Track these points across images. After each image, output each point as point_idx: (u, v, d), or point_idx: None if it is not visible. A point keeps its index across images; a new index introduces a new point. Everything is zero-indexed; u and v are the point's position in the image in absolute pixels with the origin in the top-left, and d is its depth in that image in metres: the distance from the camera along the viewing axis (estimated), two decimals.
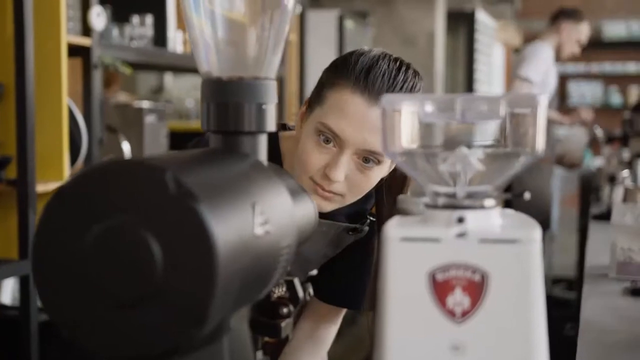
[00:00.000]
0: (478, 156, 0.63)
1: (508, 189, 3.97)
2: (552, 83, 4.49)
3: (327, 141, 1.18)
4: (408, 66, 1.21)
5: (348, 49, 3.01)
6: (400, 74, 1.18)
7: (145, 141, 3.03)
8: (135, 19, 3.06)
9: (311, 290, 1.50)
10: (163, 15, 3.20)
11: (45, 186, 2.38)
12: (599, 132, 4.82)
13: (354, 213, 1.35)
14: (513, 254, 0.60)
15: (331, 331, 1.48)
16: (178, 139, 3.06)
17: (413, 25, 5.59)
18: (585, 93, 8.37)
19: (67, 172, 2.48)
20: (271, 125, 0.68)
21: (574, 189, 5.32)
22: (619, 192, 2.55)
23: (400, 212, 0.66)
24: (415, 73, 1.22)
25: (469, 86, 6.68)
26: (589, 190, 4.35)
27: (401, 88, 1.18)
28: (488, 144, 0.68)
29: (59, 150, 2.45)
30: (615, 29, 8.19)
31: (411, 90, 1.19)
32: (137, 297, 0.53)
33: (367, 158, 1.18)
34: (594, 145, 5.55)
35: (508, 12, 7.87)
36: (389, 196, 1.31)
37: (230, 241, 0.54)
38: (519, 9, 8.19)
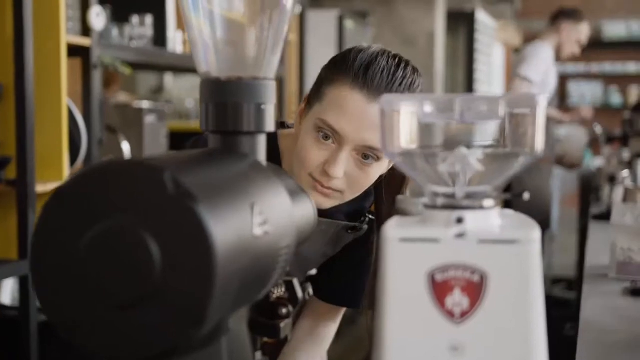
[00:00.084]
0: (477, 156, 0.63)
1: (508, 189, 3.96)
2: (552, 83, 4.48)
3: (326, 138, 1.18)
4: (407, 63, 1.21)
5: None
6: (400, 70, 1.18)
7: (145, 141, 3.02)
8: (135, 19, 3.06)
9: (311, 290, 1.50)
10: (163, 16, 3.20)
11: (44, 186, 2.37)
12: (599, 129, 4.82)
13: (353, 211, 1.35)
14: (512, 254, 0.60)
15: (331, 329, 1.48)
16: (178, 139, 3.06)
17: (413, 25, 5.59)
18: (585, 93, 8.37)
19: (66, 173, 2.48)
20: (270, 125, 0.68)
21: (574, 189, 5.32)
22: (619, 192, 2.55)
23: (399, 212, 0.66)
24: (415, 70, 1.22)
25: (469, 86, 6.68)
26: (589, 190, 4.35)
27: (400, 84, 1.18)
28: (488, 144, 0.68)
29: (59, 151, 2.45)
30: (615, 29, 8.19)
31: (410, 86, 1.19)
32: (136, 298, 0.53)
33: (367, 154, 1.18)
34: (594, 145, 5.55)
35: (508, 12, 7.86)
36: (388, 194, 1.31)
37: (228, 242, 0.54)
38: (519, 9, 8.19)
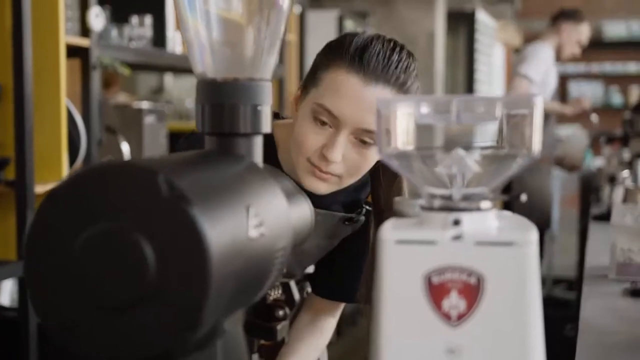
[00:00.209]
0: (474, 158, 0.62)
1: (508, 189, 3.97)
2: (552, 83, 4.49)
3: (323, 123, 1.18)
4: (402, 47, 1.21)
5: None
6: (395, 54, 1.19)
7: (144, 142, 3.02)
8: (134, 19, 3.06)
9: (309, 289, 1.50)
10: (162, 16, 3.20)
11: (43, 187, 2.37)
12: (594, 117, 4.81)
13: (350, 202, 1.35)
14: (509, 256, 0.59)
15: (331, 324, 1.48)
16: (178, 140, 3.05)
17: (413, 25, 5.59)
18: (585, 93, 8.35)
19: (65, 173, 2.47)
20: (266, 126, 0.68)
21: (575, 190, 5.32)
22: (619, 193, 2.55)
23: (396, 213, 0.66)
24: (410, 54, 1.22)
25: (469, 86, 6.68)
26: (589, 191, 4.35)
27: (396, 67, 1.18)
28: (486, 145, 0.68)
29: (58, 151, 2.45)
30: (615, 29, 8.19)
31: (406, 69, 1.19)
32: (130, 300, 0.52)
33: (364, 139, 1.18)
34: (594, 145, 5.54)
35: (508, 12, 7.86)
36: (385, 180, 1.30)
37: (223, 244, 0.54)
38: (519, 9, 8.19)
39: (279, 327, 0.77)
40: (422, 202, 0.64)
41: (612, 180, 3.41)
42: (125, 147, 2.95)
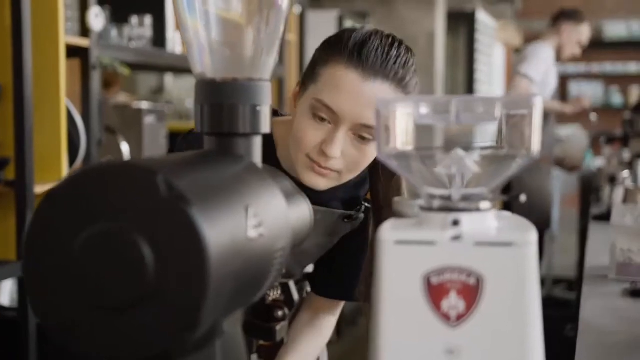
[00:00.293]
0: (474, 158, 0.62)
1: (507, 189, 3.96)
2: (553, 83, 4.49)
3: (322, 120, 1.18)
4: (401, 42, 1.22)
5: None
6: (393, 49, 1.19)
7: (144, 142, 3.02)
8: (134, 19, 3.06)
9: (308, 288, 1.49)
10: (162, 16, 3.19)
11: (43, 187, 2.37)
12: (593, 116, 4.82)
13: (349, 199, 1.35)
14: (508, 257, 0.59)
15: (330, 322, 1.47)
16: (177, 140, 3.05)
17: (413, 25, 5.59)
18: (586, 93, 8.35)
19: (65, 173, 2.47)
20: (266, 126, 0.68)
21: (575, 190, 5.32)
22: (619, 193, 2.55)
23: (395, 212, 0.66)
24: (408, 49, 1.22)
25: (470, 86, 6.68)
26: (590, 191, 4.34)
27: (395, 63, 1.18)
28: (486, 145, 0.68)
29: (58, 151, 2.45)
30: (615, 29, 8.19)
31: (405, 65, 1.19)
32: (129, 301, 0.52)
33: (363, 134, 1.18)
34: (594, 145, 5.54)
35: (508, 12, 7.86)
36: (384, 176, 1.30)
37: (222, 244, 0.54)
38: (519, 9, 8.18)
39: (278, 327, 0.77)
40: (422, 202, 0.64)
41: (612, 180, 3.41)
42: (125, 147, 2.95)
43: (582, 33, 4.55)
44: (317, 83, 1.20)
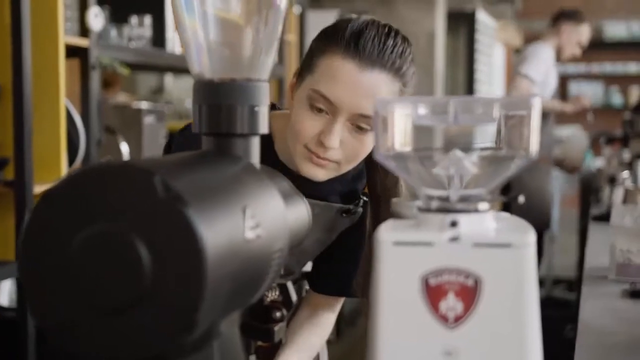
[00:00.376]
0: (472, 159, 0.62)
1: (507, 190, 3.96)
2: (553, 84, 4.49)
3: (319, 110, 1.18)
4: (397, 32, 1.22)
5: None
6: (390, 38, 1.19)
7: (144, 142, 3.02)
8: (134, 19, 3.06)
9: (307, 286, 1.49)
10: (162, 16, 3.19)
11: (42, 187, 2.37)
12: (590, 116, 4.82)
13: (348, 192, 1.35)
14: (507, 258, 0.59)
15: (330, 319, 1.47)
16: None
17: (413, 25, 5.59)
18: (586, 93, 8.35)
19: (64, 174, 2.47)
20: (264, 127, 0.67)
21: (575, 190, 5.32)
22: (619, 193, 2.55)
23: (393, 212, 0.66)
24: (405, 38, 1.22)
25: (470, 86, 6.68)
26: (589, 191, 4.34)
27: (392, 52, 1.18)
28: (486, 146, 0.68)
29: (57, 152, 2.45)
30: (615, 29, 8.18)
31: (402, 54, 1.19)
32: (125, 302, 0.52)
33: (361, 124, 1.18)
34: (594, 145, 5.54)
35: (508, 12, 7.86)
36: (382, 167, 1.30)
37: (219, 245, 0.53)
38: (519, 9, 8.18)
39: (276, 328, 0.76)
40: (420, 203, 0.64)
41: (612, 180, 3.40)
42: (124, 148, 2.95)
43: (582, 33, 4.55)
44: (314, 74, 1.19)
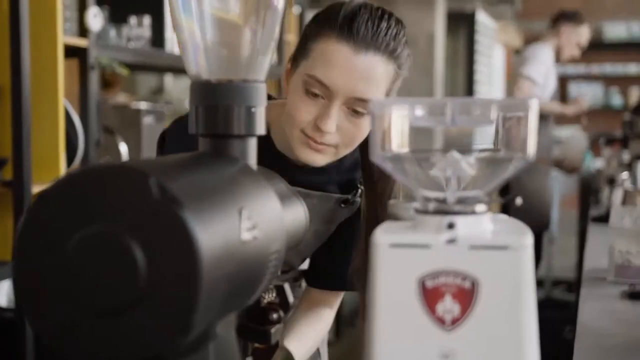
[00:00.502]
0: (470, 161, 0.62)
1: (506, 191, 3.96)
2: (552, 84, 4.49)
3: (315, 95, 1.18)
4: (390, 14, 1.22)
5: None
6: (384, 21, 1.19)
7: (143, 143, 3.02)
8: (133, 19, 3.05)
9: (304, 284, 1.48)
10: (161, 16, 3.19)
11: (41, 187, 2.35)
12: (585, 120, 4.83)
13: (346, 182, 1.35)
14: (504, 260, 0.59)
15: (329, 315, 1.45)
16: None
17: (413, 26, 5.58)
18: (586, 94, 8.35)
19: (63, 174, 2.47)
20: (261, 128, 0.67)
21: (574, 190, 5.32)
22: (618, 195, 2.54)
23: (390, 216, 0.65)
24: (399, 21, 1.23)
25: (469, 87, 6.67)
26: (589, 192, 4.34)
27: (386, 35, 1.18)
28: (485, 147, 0.67)
29: (55, 152, 2.44)
30: (615, 30, 8.18)
31: (395, 37, 1.20)
32: (121, 304, 0.52)
33: (357, 108, 1.18)
34: (594, 146, 5.54)
35: (508, 13, 7.85)
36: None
37: (215, 247, 0.53)
38: (519, 10, 8.18)
39: (273, 330, 0.76)
40: (417, 205, 0.63)
41: (612, 182, 3.40)
42: (123, 148, 2.94)
43: (582, 34, 4.55)
44: (308, 59, 1.20)
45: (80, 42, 2.62)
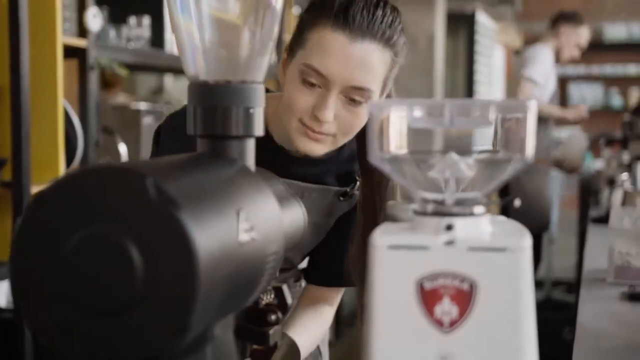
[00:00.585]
0: (468, 162, 0.62)
1: (505, 192, 3.96)
2: (552, 85, 4.50)
3: (312, 85, 1.18)
4: (386, 2, 1.22)
5: None
6: (379, 9, 1.19)
7: (142, 143, 3.01)
8: (132, 20, 3.05)
9: (304, 283, 1.48)
10: (160, 17, 3.19)
11: (40, 188, 2.34)
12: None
13: (344, 174, 1.35)
14: (502, 262, 0.59)
15: (329, 312, 1.45)
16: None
17: (413, 27, 5.58)
18: (586, 95, 8.35)
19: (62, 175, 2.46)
20: (259, 129, 0.67)
21: (574, 191, 5.32)
22: (618, 196, 2.54)
23: (389, 218, 0.65)
24: (394, 8, 1.23)
25: (469, 88, 6.67)
26: (589, 193, 4.34)
27: (381, 22, 1.18)
28: (484, 149, 0.67)
29: (55, 152, 2.44)
30: (615, 31, 8.17)
31: (391, 24, 1.20)
32: (118, 305, 0.52)
33: (354, 96, 1.18)
34: (594, 147, 5.54)
35: (508, 13, 7.85)
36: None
37: (212, 248, 0.53)
38: (519, 11, 8.17)
39: (271, 331, 0.76)
40: (415, 206, 0.63)
41: (611, 182, 3.40)
42: (123, 148, 2.94)
43: (581, 35, 4.56)
44: (304, 48, 1.20)
45: (80, 43, 2.62)
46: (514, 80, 4.51)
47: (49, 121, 2.43)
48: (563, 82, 7.54)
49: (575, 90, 8.37)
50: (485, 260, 0.59)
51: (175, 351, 0.53)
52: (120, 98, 4.36)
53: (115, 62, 2.80)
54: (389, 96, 1.30)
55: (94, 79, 2.69)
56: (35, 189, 2.34)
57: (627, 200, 2.40)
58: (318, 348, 1.51)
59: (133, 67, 3.30)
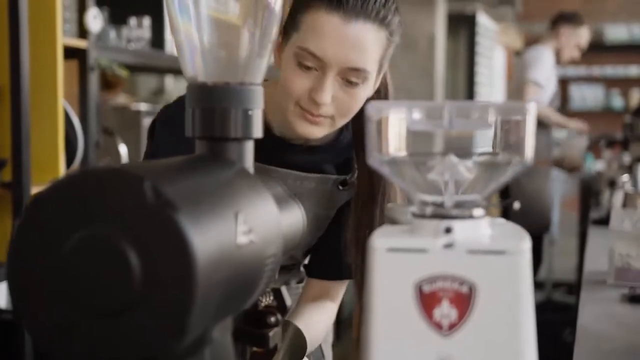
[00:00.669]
0: (467, 165, 0.61)
1: (506, 193, 3.95)
2: (552, 87, 4.49)
3: (307, 68, 1.18)
4: None
5: None
6: None
7: (143, 144, 3.01)
8: (133, 21, 3.05)
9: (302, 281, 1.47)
10: (160, 18, 3.19)
11: (40, 189, 2.35)
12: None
13: (343, 162, 1.35)
14: (501, 265, 0.58)
15: (332, 307, 1.42)
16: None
17: (413, 28, 5.58)
18: (586, 96, 8.35)
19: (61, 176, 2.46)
20: (258, 131, 0.67)
21: (575, 192, 5.31)
22: (618, 197, 2.54)
23: (388, 220, 0.65)
24: None
25: (470, 89, 6.66)
26: (589, 194, 4.34)
27: (375, 2, 1.18)
28: (484, 151, 0.67)
29: (55, 153, 2.44)
30: (616, 32, 8.17)
31: (385, 4, 1.19)
32: (115, 308, 0.52)
33: (350, 78, 1.18)
34: (595, 148, 5.54)
35: (509, 14, 7.85)
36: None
37: (210, 251, 0.53)
38: (520, 12, 8.17)
39: (270, 333, 0.76)
40: (414, 209, 0.63)
41: (612, 184, 3.39)
42: (123, 149, 2.94)
43: (581, 36, 4.55)
44: (299, 31, 1.19)
45: (80, 43, 2.62)
46: (519, 84, 4.49)
47: (49, 122, 2.43)
48: (564, 83, 7.53)
49: (576, 92, 8.37)
50: (485, 263, 0.59)
51: (174, 353, 0.53)
52: (120, 99, 4.36)
53: (116, 63, 2.80)
54: (384, 78, 1.29)
55: (94, 79, 2.69)
56: (35, 190, 2.34)
57: (627, 202, 2.39)
58: (321, 349, 1.50)
59: (133, 68, 3.30)
